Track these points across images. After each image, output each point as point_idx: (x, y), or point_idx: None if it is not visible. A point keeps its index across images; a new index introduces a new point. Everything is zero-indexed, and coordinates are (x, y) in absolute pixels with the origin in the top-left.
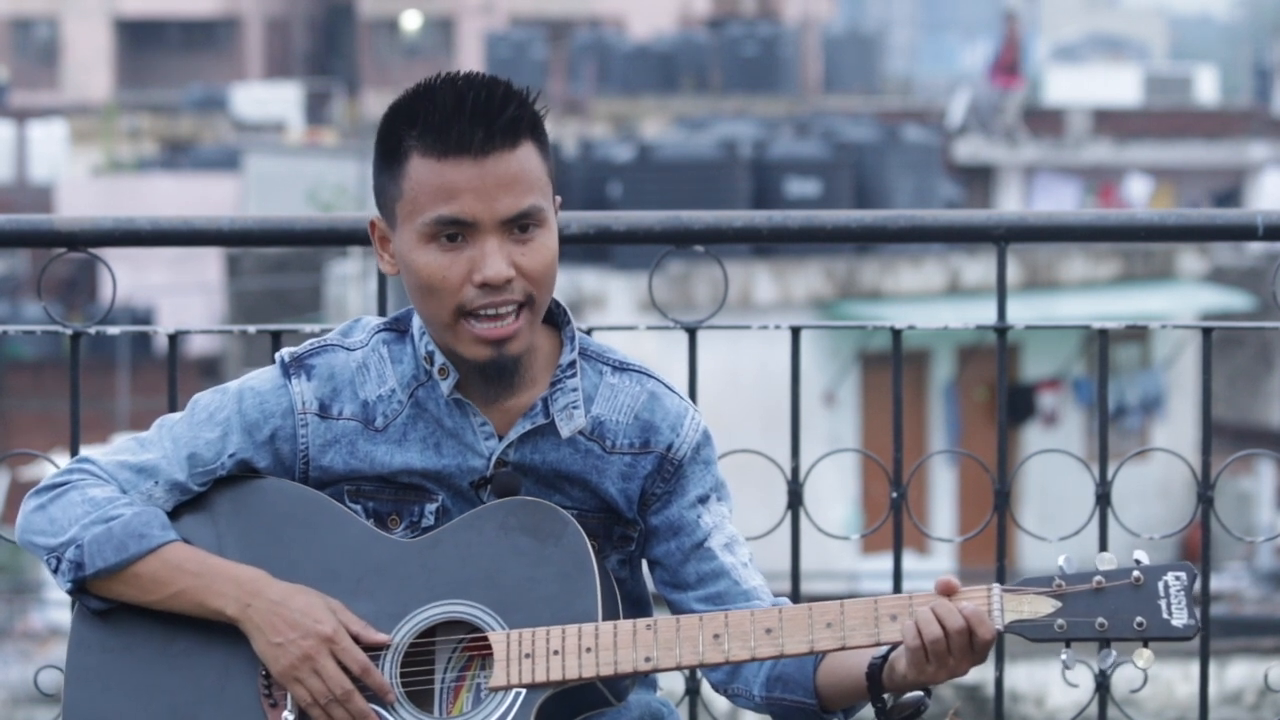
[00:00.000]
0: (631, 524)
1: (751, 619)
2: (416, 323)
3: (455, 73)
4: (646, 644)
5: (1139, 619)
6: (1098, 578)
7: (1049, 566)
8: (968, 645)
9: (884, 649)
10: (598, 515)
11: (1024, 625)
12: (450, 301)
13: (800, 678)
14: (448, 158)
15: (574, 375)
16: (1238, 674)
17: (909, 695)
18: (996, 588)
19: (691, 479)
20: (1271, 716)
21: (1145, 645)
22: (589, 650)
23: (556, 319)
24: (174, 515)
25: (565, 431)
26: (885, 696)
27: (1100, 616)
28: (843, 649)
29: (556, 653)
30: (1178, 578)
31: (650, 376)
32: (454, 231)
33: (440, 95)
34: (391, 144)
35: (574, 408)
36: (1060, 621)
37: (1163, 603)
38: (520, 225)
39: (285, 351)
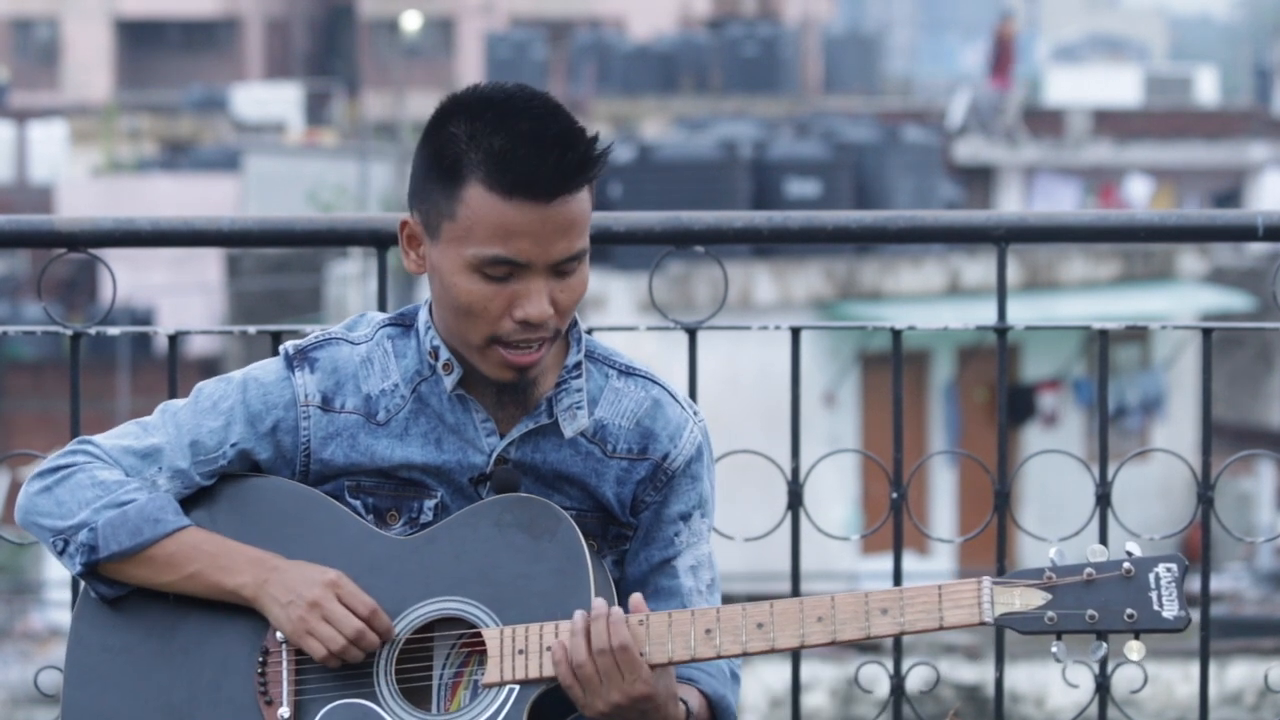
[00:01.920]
0: (627, 525)
1: (744, 613)
2: (422, 317)
3: (529, 95)
4: (638, 639)
5: (1130, 611)
6: (1088, 569)
7: (1043, 561)
8: (612, 666)
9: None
10: (594, 515)
11: (1014, 618)
12: (486, 330)
13: None
14: (514, 199)
15: (579, 376)
16: (1238, 674)
17: None
18: (986, 580)
19: (676, 492)
20: (1271, 717)
21: (1136, 637)
22: None
23: None
24: None
25: (568, 432)
26: None
27: (1091, 608)
28: (834, 643)
29: (549, 648)
30: (1169, 569)
31: (656, 383)
32: (505, 271)
33: (517, 128)
34: (450, 158)
35: (578, 408)
36: (1051, 614)
37: (1153, 594)
38: (566, 265)
39: (289, 344)
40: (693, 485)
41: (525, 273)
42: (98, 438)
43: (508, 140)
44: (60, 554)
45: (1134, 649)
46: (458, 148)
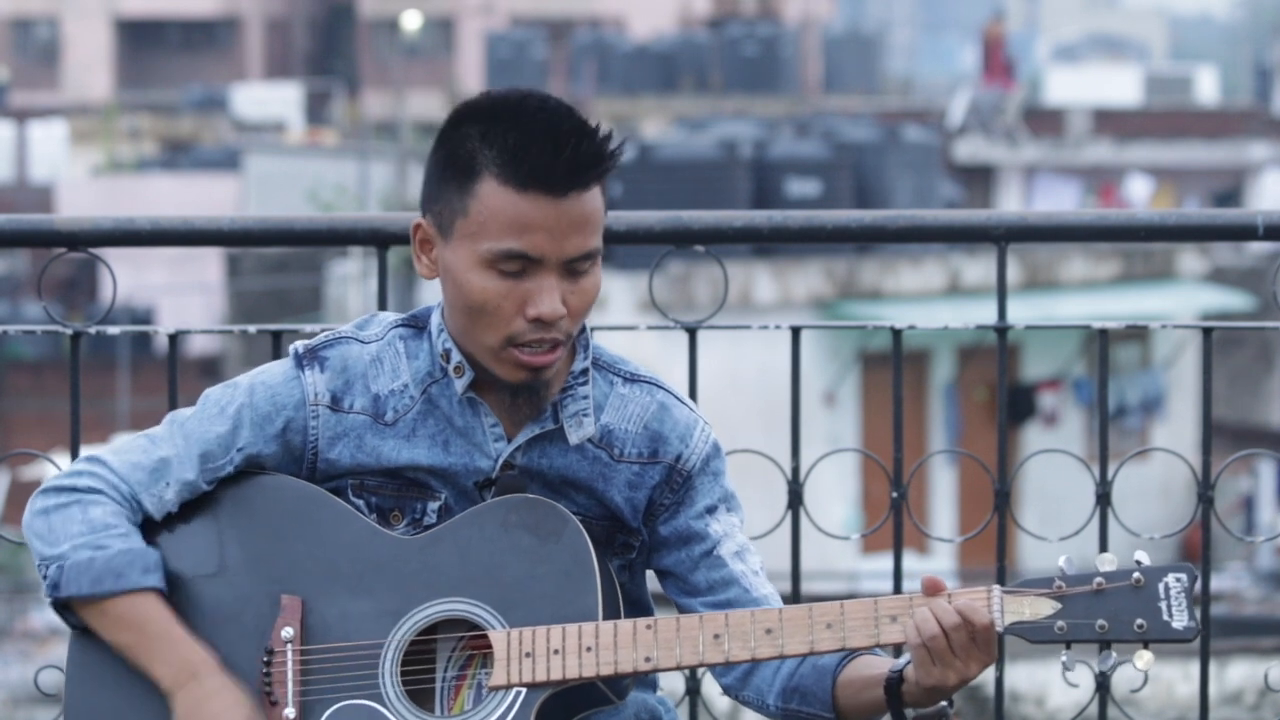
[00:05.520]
0: (634, 533)
1: (752, 619)
2: (435, 320)
3: (541, 97)
4: (647, 644)
5: (1139, 621)
6: (1098, 579)
7: (1049, 566)
8: (968, 641)
9: (902, 661)
10: (601, 522)
11: (1024, 627)
12: (502, 329)
13: (819, 691)
14: (528, 192)
15: (586, 383)
16: (1238, 674)
17: (930, 708)
18: (996, 589)
19: (700, 490)
20: (1271, 716)
21: (1145, 647)
22: (589, 650)
23: None
24: (178, 514)
25: (574, 439)
26: (906, 711)
27: (1101, 618)
28: (842, 650)
29: (557, 652)
30: (1178, 579)
31: (661, 388)
32: (518, 267)
33: (531, 124)
34: (463, 158)
35: (584, 415)
36: (1060, 623)
37: (1163, 605)
38: (578, 264)
39: (299, 343)
40: (715, 481)
41: (538, 270)
42: (107, 455)
43: (522, 135)
44: (43, 579)
45: (1143, 659)
46: (471, 146)
